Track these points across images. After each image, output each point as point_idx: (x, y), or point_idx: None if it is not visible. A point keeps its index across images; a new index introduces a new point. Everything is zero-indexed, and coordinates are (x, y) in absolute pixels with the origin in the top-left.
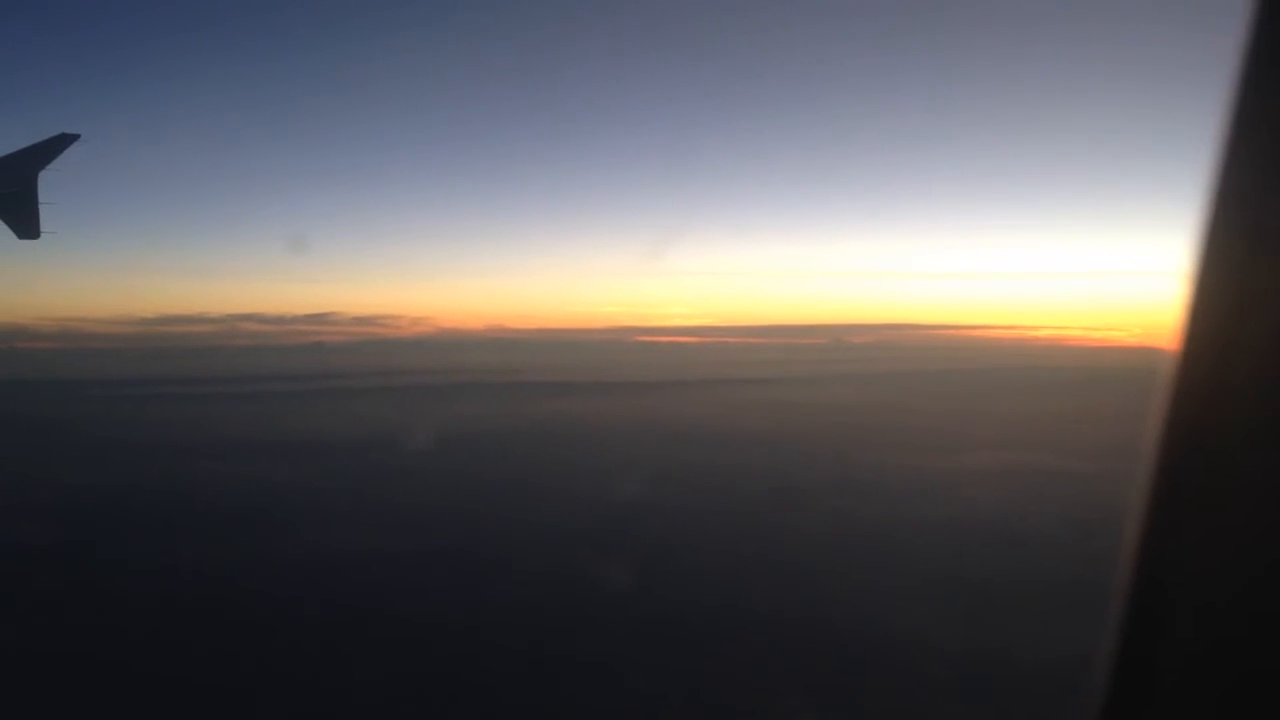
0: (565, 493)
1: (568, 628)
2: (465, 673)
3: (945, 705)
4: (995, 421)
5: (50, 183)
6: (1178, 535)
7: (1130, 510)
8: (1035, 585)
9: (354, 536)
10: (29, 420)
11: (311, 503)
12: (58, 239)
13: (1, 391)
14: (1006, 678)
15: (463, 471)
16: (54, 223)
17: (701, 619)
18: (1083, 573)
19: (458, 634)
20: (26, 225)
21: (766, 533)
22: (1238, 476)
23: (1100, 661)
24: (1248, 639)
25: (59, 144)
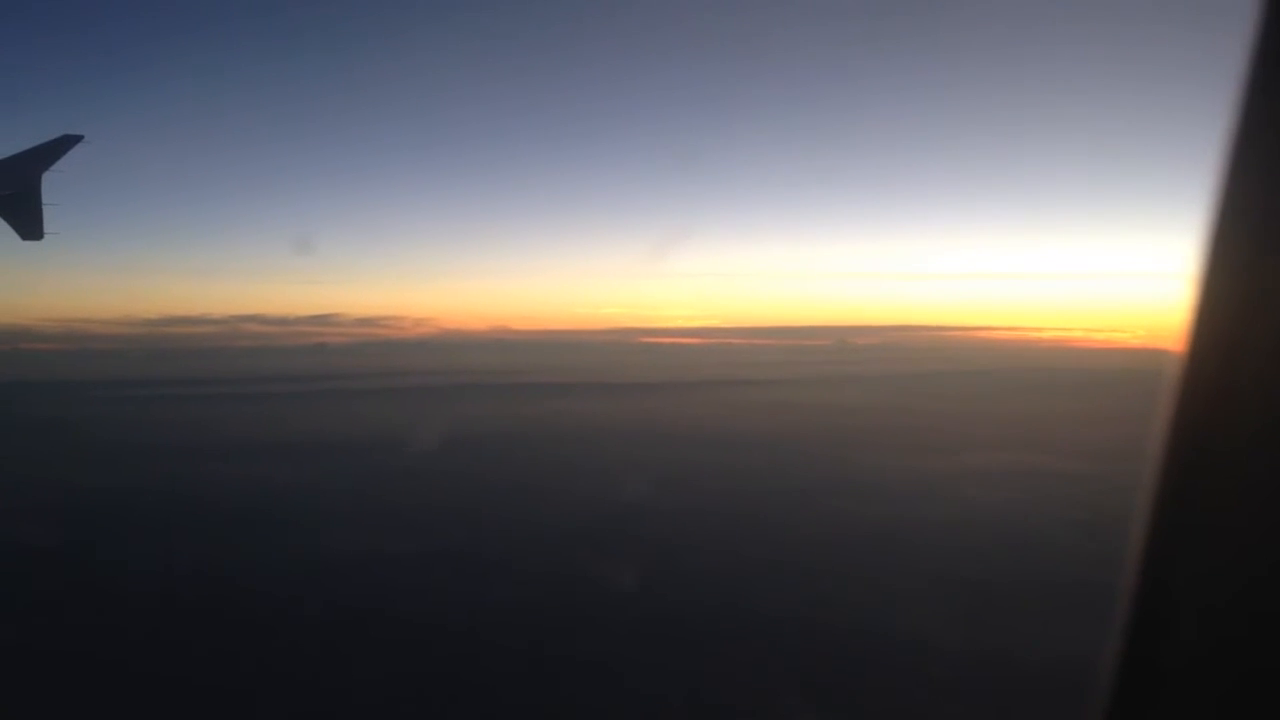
0: (567, 493)
1: (568, 628)
2: (465, 673)
3: (945, 705)
4: (998, 423)
5: (54, 184)
6: (1183, 536)
7: (1135, 511)
8: (1037, 586)
9: (355, 537)
10: (32, 421)
11: (313, 503)
12: (61, 240)
13: (5, 392)
14: (1007, 678)
15: (465, 472)
16: (58, 224)
17: (702, 619)
18: (1084, 574)
19: (458, 634)
20: (30, 226)
21: (768, 533)
22: (1243, 478)
23: (1105, 662)
24: (1252, 640)
25: (63, 145)
